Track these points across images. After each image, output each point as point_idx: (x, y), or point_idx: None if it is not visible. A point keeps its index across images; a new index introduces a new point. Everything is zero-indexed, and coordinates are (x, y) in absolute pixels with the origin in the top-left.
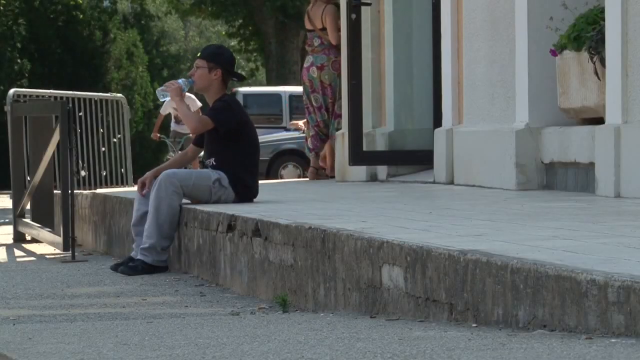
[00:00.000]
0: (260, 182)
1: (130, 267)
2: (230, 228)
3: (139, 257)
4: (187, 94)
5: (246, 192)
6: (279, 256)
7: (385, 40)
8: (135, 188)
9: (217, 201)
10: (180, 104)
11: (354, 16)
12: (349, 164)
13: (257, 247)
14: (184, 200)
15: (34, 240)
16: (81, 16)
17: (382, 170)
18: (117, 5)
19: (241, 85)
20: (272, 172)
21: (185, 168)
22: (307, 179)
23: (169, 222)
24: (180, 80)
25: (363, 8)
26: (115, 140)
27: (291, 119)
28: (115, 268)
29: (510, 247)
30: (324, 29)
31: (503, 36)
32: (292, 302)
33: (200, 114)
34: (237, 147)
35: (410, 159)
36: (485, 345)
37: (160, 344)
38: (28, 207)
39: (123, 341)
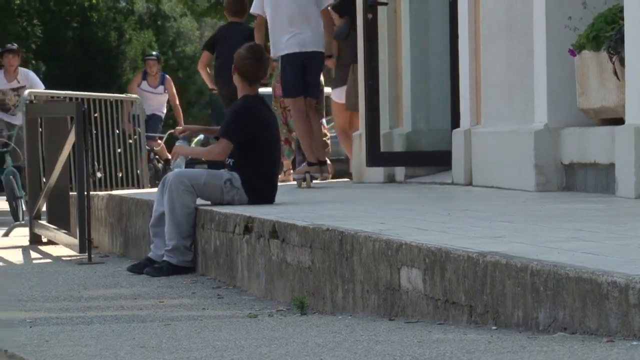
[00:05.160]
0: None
1: (156, 269)
2: (247, 230)
3: (164, 258)
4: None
5: (259, 196)
6: (297, 258)
7: (402, 40)
8: (152, 190)
9: (231, 202)
10: (194, 152)
11: (370, 16)
12: (366, 165)
13: (275, 249)
14: (201, 201)
15: (50, 242)
16: (96, 17)
17: (399, 172)
18: (133, 6)
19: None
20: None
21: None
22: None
23: (186, 221)
24: (178, 143)
25: (379, 8)
26: (130, 141)
27: None
28: (132, 270)
29: (529, 248)
30: None
31: (521, 36)
32: (310, 304)
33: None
34: (253, 151)
35: (428, 160)
36: (505, 348)
37: (177, 347)
38: (44, 208)
39: (140, 344)
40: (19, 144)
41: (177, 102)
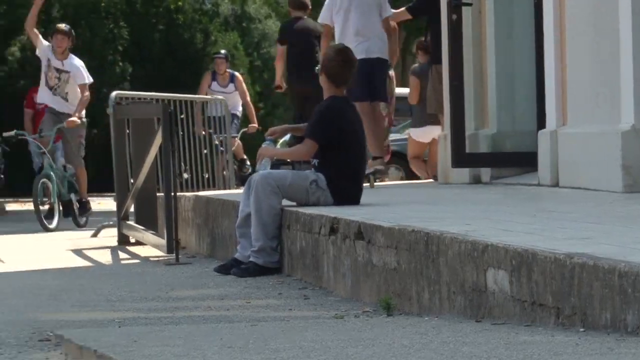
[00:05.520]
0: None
1: (243, 269)
2: (333, 231)
3: (250, 259)
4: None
5: (345, 197)
6: (383, 259)
7: (487, 40)
8: (238, 191)
9: (316, 203)
10: (279, 153)
11: (454, 17)
12: (452, 166)
13: (360, 250)
14: (287, 202)
15: (138, 243)
16: (182, 19)
17: (485, 173)
18: (218, 8)
19: None
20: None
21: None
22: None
23: (272, 222)
24: (264, 144)
25: (464, 8)
26: (217, 142)
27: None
28: (219, 270)
29: (617, 250)
30: None
31: (607, 34)
32: (397, 305)
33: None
34: (338, 152)
35: (514, 161)
36: (593, 350)
37: (264, 347)
38: (132, 209)
39: (227, 344)
40: (67, 144)
41: (249, 100)
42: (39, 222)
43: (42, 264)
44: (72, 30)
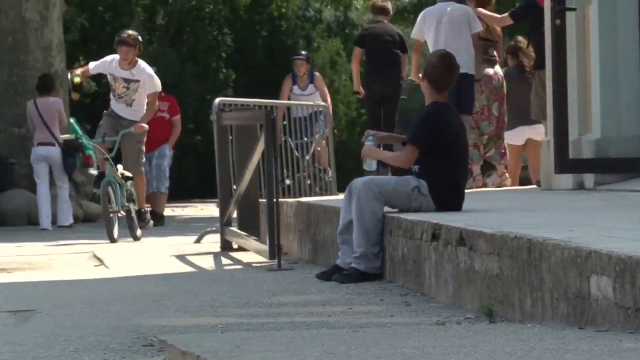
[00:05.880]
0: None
1: (345, 275)
2: (435, 237)
3: (352, 265)
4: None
5: (446, 203)
6: (484, 265)
7: (591, 45)
8: (339, 196)
9: (418, 209)
10: (381, 156)
11: (558, 22)
12: (555, 172)
13: (462, 256)
14: (388, 209)
15: (240, 249)
16: (285, 25)
17: (589, 178)
18: (321, 15)
19: None
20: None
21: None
22: (505, 187)
23: (374, 228)
24: (369, 141)
25: (567, 13)
26: (319, 149)
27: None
28: (321, 277)
29: None
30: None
31: None
32: (499, 312)
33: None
34: (440, 157)
35: (618, 166)
36: None
37: (366, 354)
38: (234, 215)
39: (329, 350)
40: (127, 151)
41: (329, 101)
42: (107, 232)
43: (145, 270)
44: (139, 37)
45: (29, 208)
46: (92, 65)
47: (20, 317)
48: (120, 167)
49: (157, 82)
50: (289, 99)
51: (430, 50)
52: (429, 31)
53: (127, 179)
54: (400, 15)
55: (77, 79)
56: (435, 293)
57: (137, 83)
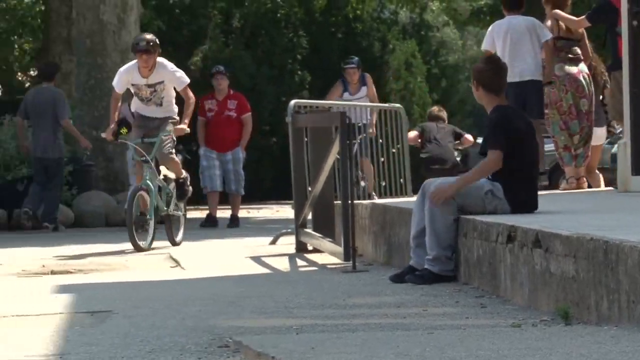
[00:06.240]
0: (540, 192)
1: (418, 276)
2: (510, 239)
3: (425, 266)
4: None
5: (522, 205)
6: (560, 267)
7: None
8: (414, 198)
9: (493, 212)
10: (460, 184)
11: (635, 23)
12: (632, 174)
13: (538, 259)
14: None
15: (315, 250)
16: (360, 27)
17: None
18: (396, 16)
19: None
20: (552, 183)
21: None
22: (570, 190)
23: (446, 232)
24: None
25: None
26: (394, 150)
27: None
28: (394, 279)
29: None
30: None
31: None
32: (574, 314)
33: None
34: (512, 160)
35: None
36: None
37: (441, 356)
38: (309, 217)
39: (404, 352)
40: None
41: (377, 100)
42: (130, 240)
43: (221, 271)
44: (156, 41)
45: (106, 210)
46: (116, 88)
47: (97, 318)
48: (163, 168)
49: (182, 74)
50: None
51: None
52: (498, 42)
53: (169, 181)
54: (476, 17)
55: (124, 130)
56: (511, 295)
57: (162, 84)
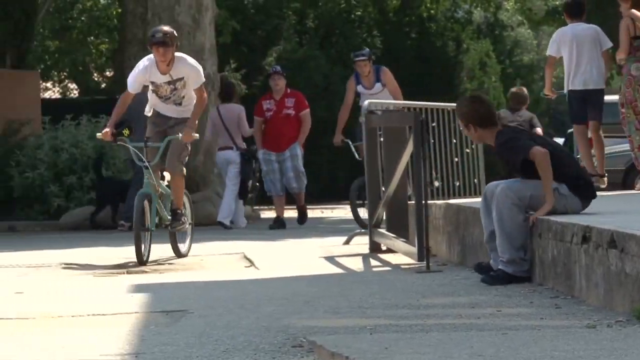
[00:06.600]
0: (615, 192)
1: (493, 277)
2: (585, 239)
3: (500, 267)
4: None
5: (588, 194)
6: (636, 268)
7: None
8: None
9: (564, 211)
10: (550, 189)
11: None
12: None
13: (613, 259)
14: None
15: (389, 250)
16: (434, 27)
17: None
18: (471, 16)
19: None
20: (628, 183)
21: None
22: None
23: (517, 233)
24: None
25: None
26: (468, 150)
27: None
28: (477, 268)
29: None
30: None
31: None
32: None
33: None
34: (552, 162)
35: None
36: None
37: (515, 356)
38: (383, 217)
39: (478, 352)
40: (171, 147)
41: (400, 97)
42: (136, 252)
43: (295, 271)
44: (174, 33)
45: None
46: (130, 88)
47: (172, 318)
48: (166, 174)
49: (201, 73)
50: (357, 98)
51: (565, 67)
52: (564, 50)
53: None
54: (551, 16)
55: (126, 131)
56: (586, 296)
57: (182, 80)
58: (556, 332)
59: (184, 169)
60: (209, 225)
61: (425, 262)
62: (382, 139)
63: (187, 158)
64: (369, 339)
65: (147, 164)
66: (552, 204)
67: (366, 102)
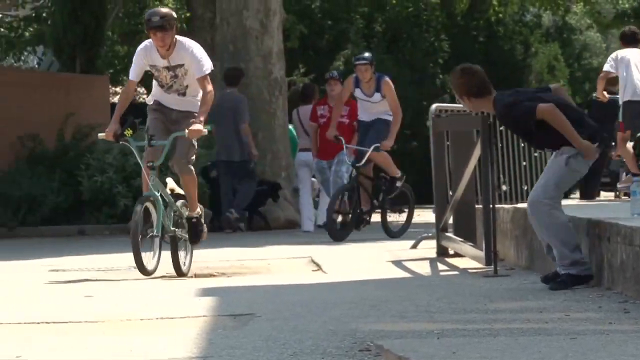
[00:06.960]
0: None
1: (559, 283)
2: None
3: (563, 271)
4: None
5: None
6: None
7: None
8: (564, 201)
9: (578, 171)
10: (572, 133)
11: None
12: None
13: None
14: (605, 215)
15: (456, 255)
16: (502, 31)
17: None
18: (539, 20)
19: None
20: None
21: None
22: None
23: (566, 235)
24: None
25: None
26: (536, 154)
27: None
28: (544, 279)
29: None
30: None
31: None
32: None
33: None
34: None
35: None
36: None
37: None
38: (450, 221)
39: (546, 357)
40: (177, 145)
41: (397, 111)
42: (135, 261)
43: (362, 275)
44: (173, 15)
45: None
46: (132, 75)
47: (240, 321)
48: (170, 181)
49: (204, 59)
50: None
51: (621, 85)
52: (621, 70)
53: (177, 197)
54: (620, 20)
55: (128, 131)
56: None
57: (183, 67)
58: (625, 336)
59: (192, 167)
60: (276, 229)
61: (492, 267)
62: (449, 143)
63: (194, 156)
64: (436, 343)
65: (152, 164)
66: (585, 144)
67: (433, 106)
